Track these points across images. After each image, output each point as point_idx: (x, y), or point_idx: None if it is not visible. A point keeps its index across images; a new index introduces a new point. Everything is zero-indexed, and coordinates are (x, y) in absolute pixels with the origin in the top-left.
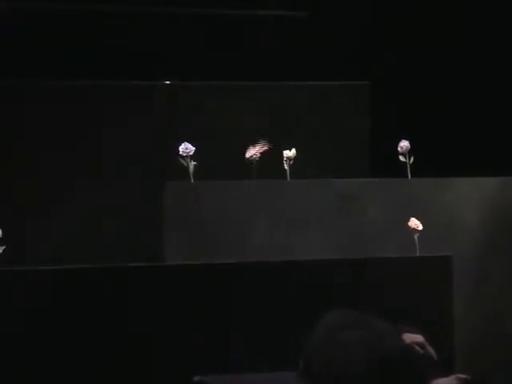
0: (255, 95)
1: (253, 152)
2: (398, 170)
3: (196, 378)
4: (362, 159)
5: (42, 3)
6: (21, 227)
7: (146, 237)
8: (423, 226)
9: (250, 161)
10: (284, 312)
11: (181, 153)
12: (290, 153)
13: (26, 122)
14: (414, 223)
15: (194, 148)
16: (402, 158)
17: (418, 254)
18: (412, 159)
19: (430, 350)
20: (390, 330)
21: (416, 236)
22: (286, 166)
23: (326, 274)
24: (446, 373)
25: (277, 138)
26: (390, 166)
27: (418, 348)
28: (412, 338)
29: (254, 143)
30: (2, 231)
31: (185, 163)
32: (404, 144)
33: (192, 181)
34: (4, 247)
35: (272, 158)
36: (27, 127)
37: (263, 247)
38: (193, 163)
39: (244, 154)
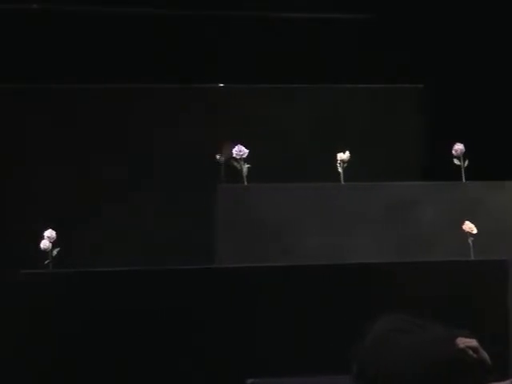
0: (308, 98)
1: (225, 153)
2: (450, 172)
3: (249, 382)
4: (415, 162)
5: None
6: (73, 229)
7: (198, 239)
8: (478, 229)
9: (220, 161)
10: (336, 315)
11: (234, 155)
12: (343, 155)
13: (77, 123)
14: (469, 227)
15: (247, 150)
16: (456, 162)
17: (472, 258)
18: (467, 162)
19: (484, 354)
20: (444, 335)
21: (470, 240)
22: (339, 169)
23: (378, 277)
24: (500, 378)
25: (329, 140)
26: (443, 169)
27: (471, 352)
28: (465, 342)
29: (225, 145)
30: (56, 233)
31: (238, 166)
32: (459, 147)
33: (245, 183)
34: (58, 249)
35: (324, 160)
36: (78, 128)
37: (315, 250)
38: (246, 165)
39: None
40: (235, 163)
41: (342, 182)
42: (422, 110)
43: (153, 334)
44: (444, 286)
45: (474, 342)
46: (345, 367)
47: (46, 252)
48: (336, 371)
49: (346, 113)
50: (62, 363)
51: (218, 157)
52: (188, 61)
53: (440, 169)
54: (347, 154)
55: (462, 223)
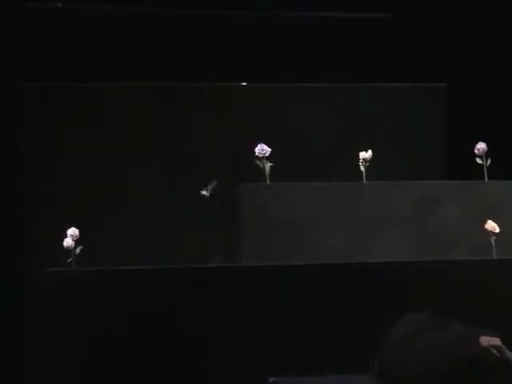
0: (331, 97)
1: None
2: (473, 171)
3: (271, 380)
4: (437, 161)
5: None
6: (96, 227)
7: (222, 238)
8: (500, 228)
9: (205, 195)
10: (358, 314)
11: (257, 154)
12: (366, 154)
13: (103, 122)
14: (491, 226)
15: (269, 149)
16: (478, 161)
17: (495, 257)
18: (489, 161)
19: (508, 354)
20: (467, 334)
21: (493, 239)
22: (362, 168)
23: (401, 276)
24: None
25: (352, 139)
26: (465, 168)
27: (495, 351)
28: (489, 341)
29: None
30: (80, 231)
31: (261, 164)
32: (481, 146)
33: (268, 182)
34: (81, 247)
35: (347, 159)
36: (104, 127)
37: (338, 249)
38: (269, 164)
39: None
40: (258, 162)
41: (365, 181)
42: (445, 109)
43: (175, 332)
44: (466, 284)
45: (497, 341)
46: (366, 367)
47: (68, 250)
48: (357, 370)
49: (369, 112)
50: (86, 361)
51: (203, 192)
52: (210, 59)
53: (463, 168)
54: (369, 152)
55: (485, 222)
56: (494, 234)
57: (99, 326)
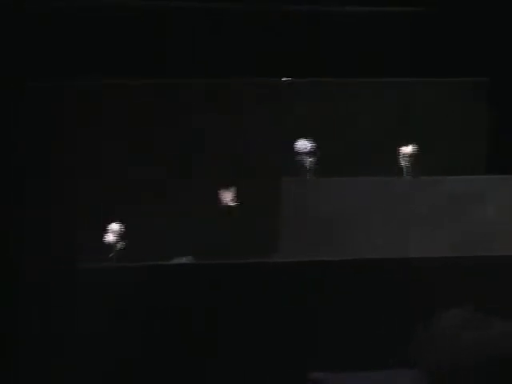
0: (372, 92)
1: (227, 197)
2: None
3: (311, 375)
4: (479, 156)
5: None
6: (140, 223)
7: (262, 232)
8: None
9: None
10: (399, 309)
11: (298, 149)
12: (407, 149)
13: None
14: None
15: (311, 144)
16: None
17: None
18: None
19: None
20: (509, 329)
21: None
22: (402, 163)
23: (442, 272)
24: None
25: (394, 134)
26: (508, 163)
27: None
28: None
29: (227, 189)
30: (125, 228)
31: (302, 160)
32: None
33: (309, 177)
34: (125, 242)
35: (389, 154)
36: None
37: (378, 243)
38: (310, 160)
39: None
40: (299, 157)
41: (405, 176)
42: (488, 103)
43: (215, 326)
44: (508, 279)
45: None
46: (406, 361)
47: (110, 245)
48: (397, 365)
49: (411, 106)
50: (125, 355)
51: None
52: (249, 54)
53: (505, 162)
54: (410, 147)
55: None
56: None
57: (139, 320)
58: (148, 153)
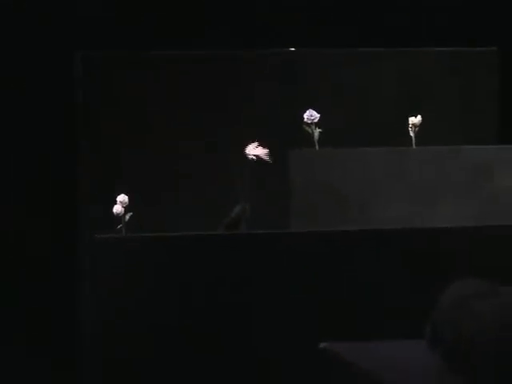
0: (380, 61)
1: (254, 152)
2: None
3: (322, 345)
4: (490, 126)
5: None
6: (151, 195)
7: (271, 206)
8: None
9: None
10: (410, 279)
11: (305, 120)
12: (415, 119)
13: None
14: None
15: (318, 115)
16: None
17: None
18: None
19: None
20: None
21: None
22: (411, 133)
23: (455, 242)
24: None
25: (403, 104)
26: None
27: None
28: None
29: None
30: (135, 199)
31: (310, 130)
32: None
33: (317, 148)
34: (131, 213)
35: (397, 124)
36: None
37: (388, 215)
38: (318, 130)
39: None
40: (307, 128)
41: (414, 147)
42: (498, 73)
43: (226, 299)
44: None
45: None
46: (419, 332)
47: (118, 217)
48: (410, 336)
49: (420, 76)
50: (135, 331)
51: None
52: (259, 24)
53: None
54: (419, 117)
55: None
56: None
57: (148, 292)
58: None
